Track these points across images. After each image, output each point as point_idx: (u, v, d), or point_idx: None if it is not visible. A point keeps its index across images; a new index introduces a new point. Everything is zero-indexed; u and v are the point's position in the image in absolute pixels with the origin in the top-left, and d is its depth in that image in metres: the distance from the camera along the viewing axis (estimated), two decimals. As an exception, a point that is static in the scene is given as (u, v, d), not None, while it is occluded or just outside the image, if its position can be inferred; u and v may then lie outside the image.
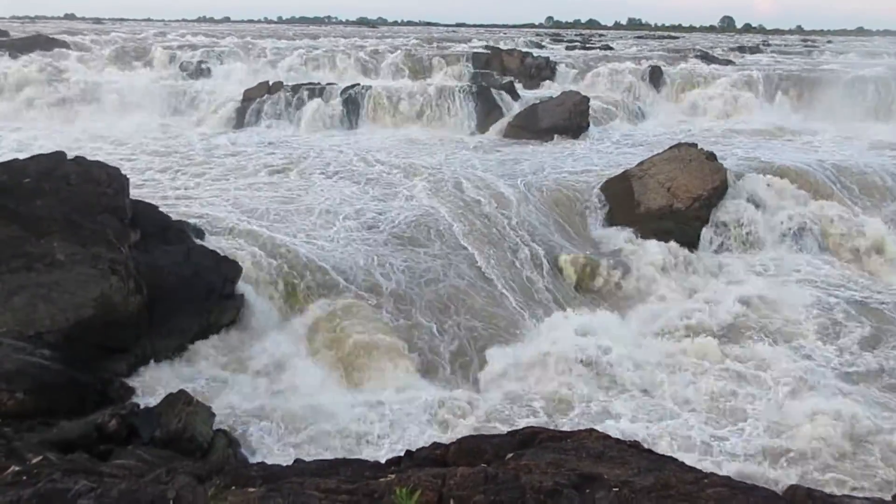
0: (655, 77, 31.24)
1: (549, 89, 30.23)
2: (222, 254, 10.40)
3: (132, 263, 9.07)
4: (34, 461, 5.07)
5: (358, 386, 9.24)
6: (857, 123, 26.17)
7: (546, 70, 33.88)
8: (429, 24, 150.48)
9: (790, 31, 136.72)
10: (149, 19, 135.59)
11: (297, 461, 5.46)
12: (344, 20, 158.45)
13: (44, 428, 6.44)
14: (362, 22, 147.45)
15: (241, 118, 24.68)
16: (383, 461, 5.24)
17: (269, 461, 6.85)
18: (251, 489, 4.22)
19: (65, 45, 36.90)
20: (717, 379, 9.74)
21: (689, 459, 5.81)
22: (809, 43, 73.61)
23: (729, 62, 39.34)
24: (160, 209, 11.07)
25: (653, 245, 13.64)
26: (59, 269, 8.57)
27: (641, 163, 15.94)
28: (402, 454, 5.23)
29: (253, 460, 7.13)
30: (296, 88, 25.64)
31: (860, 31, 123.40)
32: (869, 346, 10.95)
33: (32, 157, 10.05)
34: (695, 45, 59.70)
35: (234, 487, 4.29)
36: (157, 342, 9.01)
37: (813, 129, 25.09)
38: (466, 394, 9.29)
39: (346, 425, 8.22)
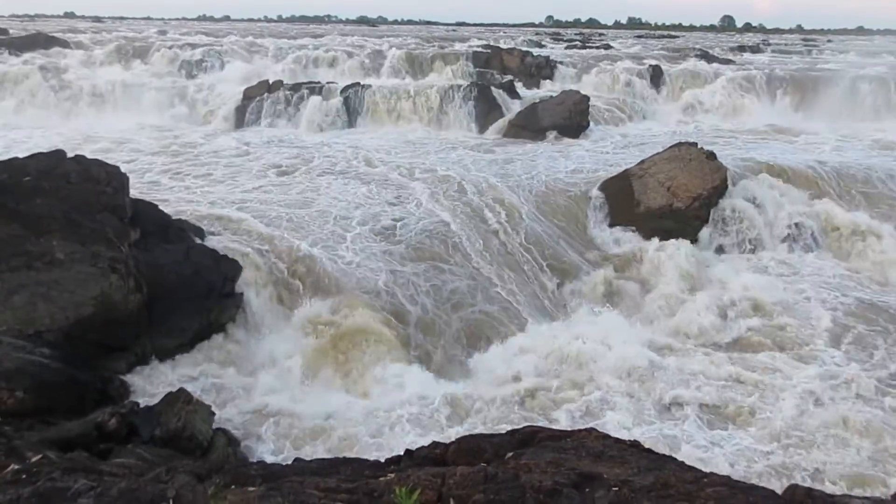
0: (655, 76, 31.21)
1: (549, 88, 30.21)
2: (222, 252, 10.41)
3: (132, 262, 9.07)
4: (34, 460, 5.07)
5: (356, 386, 9.23)
6: (857, 123, 26.17)
7: (546, 69, 33.84)
8: (429, 23, 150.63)
9: (790, 31, 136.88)
10: (149, 18, 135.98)
11: (296, 460, 5.47)
12: (344, 19, 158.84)
13: (43, 426, 6.45)
14: (362, 21, 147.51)
15: (241, 117, 24.69)
16: (383, 460, 5.24)
17: (268, 460, 6.87)
18: (251, 488, 4.22)
19: (65, 43, 36.90)
20: (718, 379, 9.74)
21: (689, 460, 5.81)
22: (810, 42, 73.62)
23: (729, 61, 39.32)
24: (160, 209, 11.07)
25: (653, 244, 13.64)
26: (59, 267, 8.57)
27: (641, 162, 15.92)
28: (401, 453, 5.23)
29: (252, 459, 7.13)
30: (296, 87, 25.63)
31: (860, 31, 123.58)
32: (873, 347, 10.87)
33: (32, 156, 10.04)
34: (695, 44, 59.73)
35: (233, 486, 4.29)
36: (156, 341, 9.01)
37: (813, 128, 25.05)
38: (461, 386, 9.32)
39: (345, 426, 8.21)
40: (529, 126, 22.94)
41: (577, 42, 60.00)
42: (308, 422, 8.23)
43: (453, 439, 5.28)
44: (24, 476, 4.48)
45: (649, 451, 5.01)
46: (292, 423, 8.18)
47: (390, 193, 14.85)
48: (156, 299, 9.18)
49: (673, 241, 13.75)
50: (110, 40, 39.77)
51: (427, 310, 10.62)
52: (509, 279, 12.01)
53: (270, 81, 26.21)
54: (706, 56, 41.34)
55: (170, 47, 35.99)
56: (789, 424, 8.63)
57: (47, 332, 7.97)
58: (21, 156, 10.19)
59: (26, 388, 6.79)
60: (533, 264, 12.57)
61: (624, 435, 7.04)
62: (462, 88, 25.48)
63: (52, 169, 9.76)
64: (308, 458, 5.66)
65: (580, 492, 4.03)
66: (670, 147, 16.24)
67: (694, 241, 14.21)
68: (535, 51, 40.83)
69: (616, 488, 4.05)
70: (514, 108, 24.96)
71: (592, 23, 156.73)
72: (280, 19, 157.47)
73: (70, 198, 9.50)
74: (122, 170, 10.62)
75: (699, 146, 16.06)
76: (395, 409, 8.57)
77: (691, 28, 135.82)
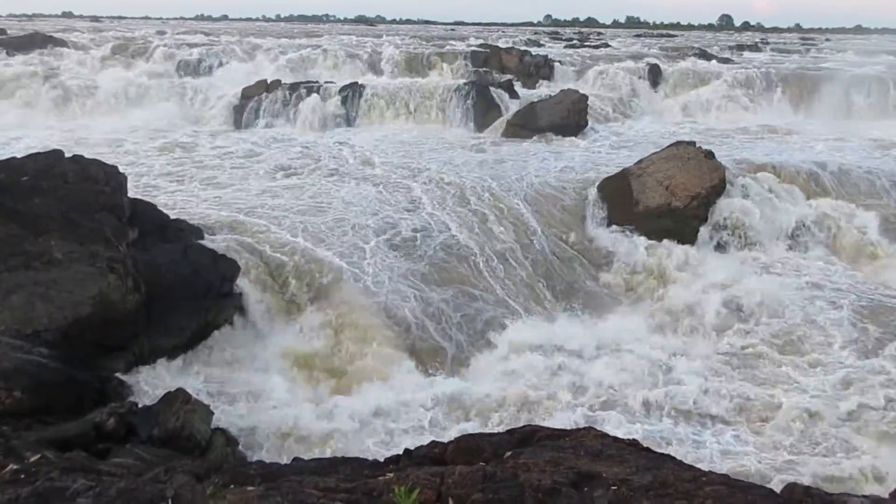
0: (654, 75, 31.20)
1: (548, 88, 30.19)
2: (220, 252, 10.40)
3: (130, 261, 9.05)
4: (32, 459, 5.06)
5: (356, 386, 9.23)
6: (855, 122, 26.19)
7: (544, 68, 33.79)
8: (427, 22, 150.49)
9: (788, 30, 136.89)
10: (147, 17, 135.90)
11: (295, 459, 5.46)
12: (342, 18, 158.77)
13: (42, 426, 6.44)
14: (360, 20, 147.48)
15: (239, 116, 24.66)
16: (382, 460, 5.23)
17: (267, 460, 6.86)
18: (250, 488, 4.22)
19: (62, 43, 36.73)
20: (719, 379, 9.73)
21: (688, 459, 5.81)
22: (808, 41, 73.60)
23: (727, 60, 39.27)
24: (158, 208, 11.06)
25: (652, 244, 13.64)
26: (57, 267, 8.55)
27: (640, 161, 15.91)
28: (400, 453, 5.23)
29: (251, 459, 7.12)
30: (294, 87, 25.59)
31: (858, 30, 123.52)
32: (879, 348, 10.83)
33: (30, 156, 10.03)
34: (693, 43, 59.61)
35: (232, 486, 4.28)
36: (155, 340, 8.99)
37: (812, 127, 25.07)
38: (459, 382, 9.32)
39: (344, 426, 8.21)
40: (528, 125, 22.91)
41: (575, 41, 59.93)
42: (307, 422, 8.22)
43: (452, 438, 5.28)
44: (22, 476, 4.47)
45: (648, 449, 5.01)
46: (292, 423, 8.17)
47: (399, 197, 14.62)
48: (154, 299, 9.16)
49: (670, 241, 13.76)
50: (108, 40, 39.64)
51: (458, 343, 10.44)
52: (500, 270, 11.95)
53: (269, 81, 26.16)
54: (705, 55, 41.32)
55: (168, 47, 35.91)
56: (795, 426, 8.61)
57: (45, 331, 7.95)
58: (19, 155, 10.18)
59: (24, 387, 6.78)
60: (533, 267, 12.57)
61: (622, 434, 7.04)
62: (460, 88, 25.45)
63: (49, 168, 9.75)
64: (307, 458, 5.66)
65: (579, 491, 4.03)
66: (668, 146, 16.24)
67: (692, 240, 14.22)
68: (534, 50, 40.76)
69: (615, 487, 4.05)
70: (512, 107, 24.91)
71: (591, 22, 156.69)
72: (278, 19, 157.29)
73: (68, 197, 9.48)
74: (121, 171, 10.60)
75: (697, 145, 16.07)
76: (395, 408, 8.57)
77: (690, 27, 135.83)
